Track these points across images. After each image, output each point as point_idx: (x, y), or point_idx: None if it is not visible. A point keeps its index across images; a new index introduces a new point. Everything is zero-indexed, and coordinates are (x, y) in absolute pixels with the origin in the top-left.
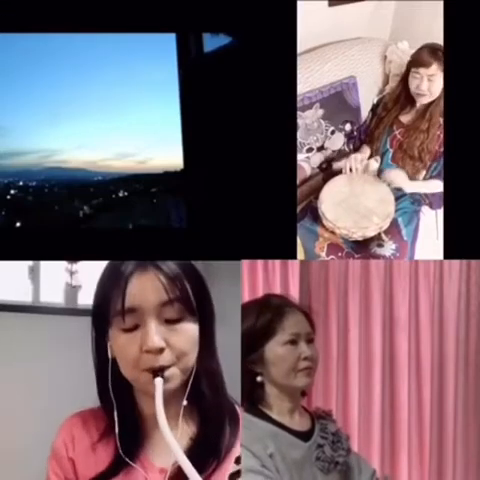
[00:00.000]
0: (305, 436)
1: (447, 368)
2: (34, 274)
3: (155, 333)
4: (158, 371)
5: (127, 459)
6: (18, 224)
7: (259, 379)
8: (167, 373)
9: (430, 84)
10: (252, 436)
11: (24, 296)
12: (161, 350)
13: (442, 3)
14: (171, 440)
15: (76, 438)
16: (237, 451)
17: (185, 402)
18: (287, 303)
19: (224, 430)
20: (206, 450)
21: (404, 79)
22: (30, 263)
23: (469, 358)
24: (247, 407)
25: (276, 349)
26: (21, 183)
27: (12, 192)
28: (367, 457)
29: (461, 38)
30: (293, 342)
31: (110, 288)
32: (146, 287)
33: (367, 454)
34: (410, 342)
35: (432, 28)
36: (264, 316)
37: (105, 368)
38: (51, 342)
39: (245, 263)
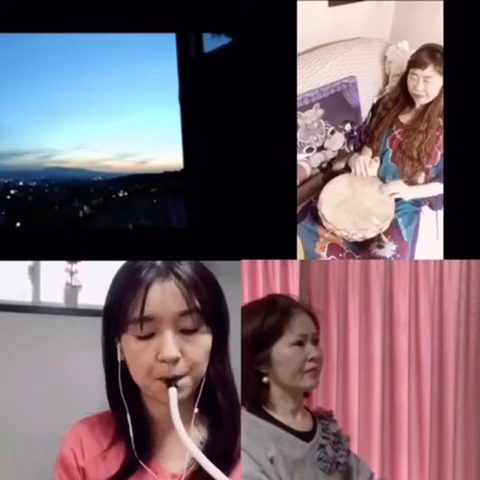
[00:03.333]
0: (307, 436)
1: (447, 368)
2: (34, 274)
3: (172, 343)
4: (172, 380)
5: (141, 462)
6: (18, 224)
7: (265, 380)
8: (180, 383)
9: (426, 85)
10: (253, 438)
11: (24, 296)
12: (176, 360)
13: (442, 3)
14: (192, 447)
15: (85, 446)
16: None
17: (196, 409)
18: (293, 304)
19: (237, 437)
20: (217, 456)
21: (403, 79)
22: (30, 263)
23: (469, 358)
24: (250, 408)
25: (283, 350)
26: (21, 183)
27: (12, 192)
28: (367, 457)
29: (461, 38)
30: (300, 343)
31: (128, 293)
32: (167, 296)
33: (367, 454)
34: (410, 342)
35: (432, 28)
36: (271, 317)
37: (115, 371)
38: (51, 342)
39: (245, 263)
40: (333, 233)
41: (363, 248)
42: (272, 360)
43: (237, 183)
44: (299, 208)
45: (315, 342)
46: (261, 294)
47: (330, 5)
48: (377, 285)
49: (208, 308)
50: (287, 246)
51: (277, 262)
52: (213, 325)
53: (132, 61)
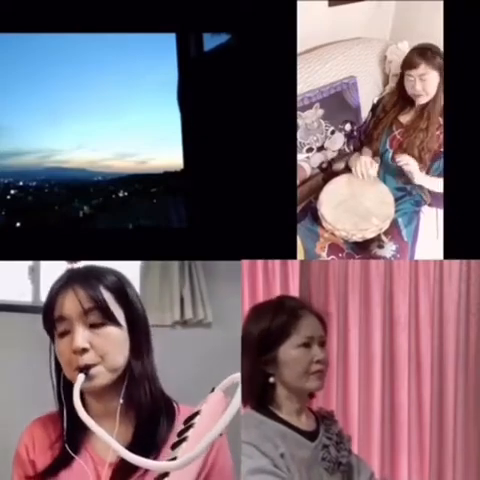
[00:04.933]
0: (311, 436)
1: (447, 368)
2: (34, 274)
3: (80, 336)
4: (83, 369)
5: (70, 451)
6: (18, 224)
7: (272, 380)
8: (92, 371)
9: (423, 84)
10: (262, 435)
11: (24, 296)
12: (84, 350)
13: (442, 3)
14: (96, 428)
15: (36, 440)
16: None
17: (121, 401)
18: (301, 305)
19: (159, 426)
20: (143, 444)
21: (400, 82)
22: (30, 263)
23: (469, 358)
24: (256, 407)
25: (290, 351)
26: (21, 183)
27: (12, 192)
28: (367, 457)
29: (461, 38)
30: (307, 345)
31: (48, 300)
32: (66, 301)
33: (367, 454)
34: (410, 342)
35: (432, 28)
36: (279, 318)
37: (57, 372)
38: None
39: (245, 263)
40: (333, 233)
41: (363, 248)
42: (279, 361)
43: (237, 183)
44: (299, 208)
45: (322, 344)
46: (261, 294)
47: (330, 5)
48: (377, 285)
49: (108, 306)
50: (287, 246)
51: (277, 262)
52: (123, 322)
53: (132, 61)
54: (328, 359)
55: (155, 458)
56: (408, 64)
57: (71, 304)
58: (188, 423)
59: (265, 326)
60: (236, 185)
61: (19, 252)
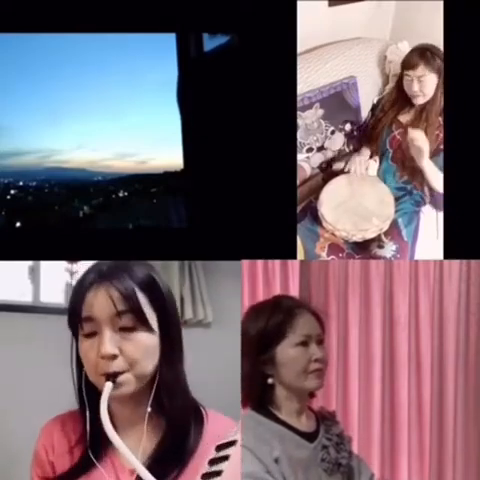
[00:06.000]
0: (311, 437)
1: (447, 368)
2: (34, 274)
3: (109, 340)
4: (111, 376)
5: (93, 457)
6: (18, 224)
7: (270, 381)
8: (120, 379)
9: (421, 85)
10: (258, 438)
11: (24, 296)
12: (114, 356)
13: (442, 3)
14: (116, 440)
15: (55, 442)
16: (203, 451)
17: (149, 409)
18: (298, 304)
19: (188, 436)
20: (170, 455)
21: (399, 81)
22: (30, 263)
23: (469, 358)
24: (255, 408)
25: (287, 351)
26: (21, 183)
27: (12, 192)
28: (367, 457)
29: (461, 38)
30: (304, 344)
31: (73, 296)
32: (98, 300)
33: (367, 454)
34: (410, 342)
35: (432, 28)
36: (275, 318)
37: (79, 371)
38: (51, 342)
39: (245, 263)
40: (333, 233)
41: (363, 248)
42: (277, 361)
43: (237, 183)
44: (299, 208)
45: (320, 342)
46: (261, 294)
47: (330, 5)
48: (377, 285)
49: (142, 310)
50: (287, 246)
51: (277, 262)
52: (155, 327)
53: (132, 61)
54: (327, 357)
55: (181, 470)
56: (407, 64)
57: (102, 305)
58: (221, 451)
59: (262, 326)
60: (236, 185)
61: (19, 252)
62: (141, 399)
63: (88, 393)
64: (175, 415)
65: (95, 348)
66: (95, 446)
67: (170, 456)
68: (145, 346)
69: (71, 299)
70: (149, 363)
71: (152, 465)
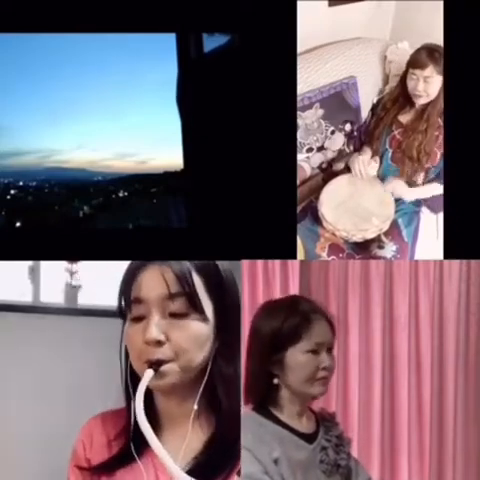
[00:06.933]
0: (310, 438)
1: (447, 368)
2: (34, 274)
3: (155, 325)
4: (154, 364)
5: (134, 452)
6: (18, 224)
7: (276, 381)
8: (164, 368)
9: (426, 85)
10: (258, 439)
11: (24, 296)
12: (159, 343)
13: (442, 3)
14: (149, 434)
15: (94, 439)
16: None
17: (196, 406)
18: (315, 309)
19: (237, 437)
20: (216, 457)
21: (403, 79)
22: (30, 263)
23: (469, 358)
24: (256, 408)
25: (297, 356)
26: (21, 183)
27: (12, 192)
28: (367, 457)
29: (461, 38)
30: (315, 352)
31: (127, 275)
32: (150, 280)
33: (367, 454)
34: (410, 342)
35: (432, 28)
36: (292, 320)
37: (125, 361)
38: (51, 342)
39: (245, 263)
40: (333, 233)
41: (363, 248)
42: (285, 363)
43: (237, 183)
44: (299, 208)
45: (329, 350)
46: (261, 294)
47: (330, 5)
48: (377, 285)
49: (197, 295)
50: (287, 246)
51: (277, 262)
52: (210, 315)
53: (132, 61)
54: (334, 365)
55: (228, 476)
56: (414, 63)
57: (154, 285)
58: None
59: (277, 326)
60: (236, 185)
61: (19, 252)
62: (188, 393)
63: (133, 384)
64: (229, 414)
65: (141, 333)
66: (137, 441)
67: (219, 458)
68: (195, 335)
69: (123, 278)
70: (198, 355)
71: (197, 466)
